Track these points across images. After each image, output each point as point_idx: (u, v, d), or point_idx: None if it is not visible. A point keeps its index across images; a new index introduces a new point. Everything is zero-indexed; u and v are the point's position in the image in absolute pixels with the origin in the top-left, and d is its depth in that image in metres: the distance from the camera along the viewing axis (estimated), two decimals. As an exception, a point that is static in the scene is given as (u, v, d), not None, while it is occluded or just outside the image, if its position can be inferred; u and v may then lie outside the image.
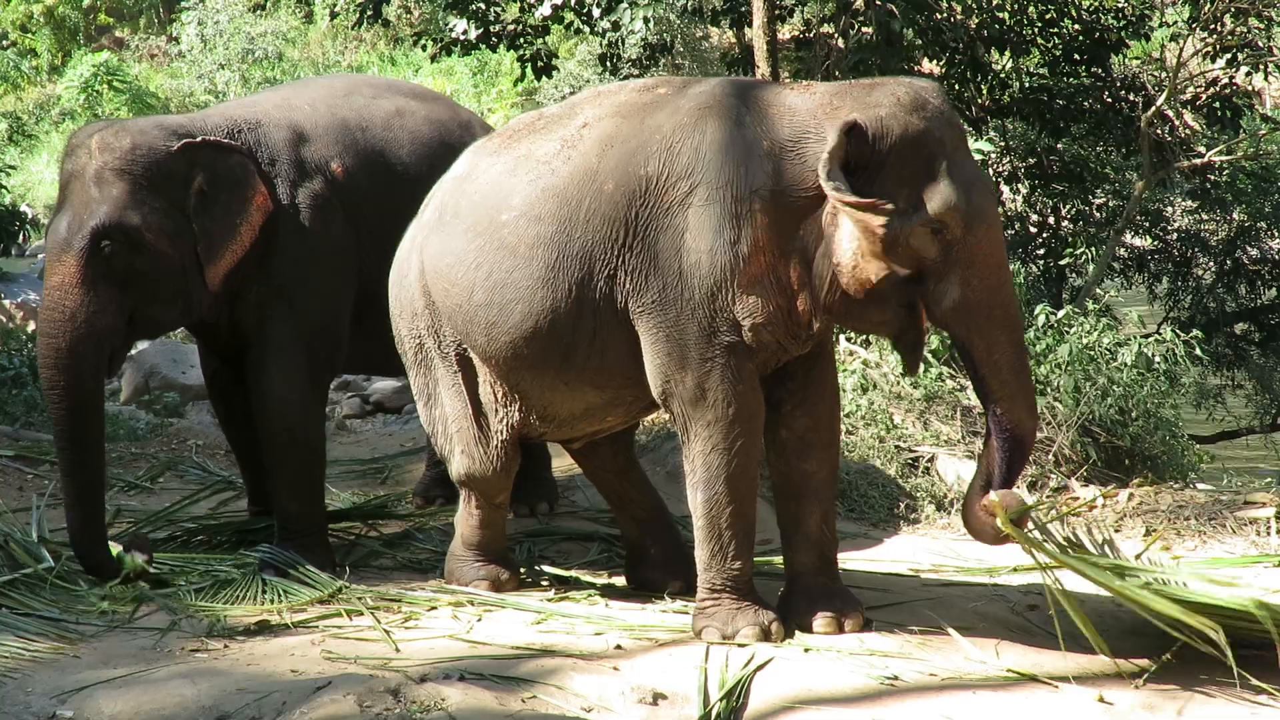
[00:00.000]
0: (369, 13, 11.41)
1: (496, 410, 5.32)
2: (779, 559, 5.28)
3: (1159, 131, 11.27)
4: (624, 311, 4.90)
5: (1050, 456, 7.41)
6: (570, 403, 5.21)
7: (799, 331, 4.93)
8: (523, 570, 5.80)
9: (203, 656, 4.77)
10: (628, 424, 5.56)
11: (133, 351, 6.04)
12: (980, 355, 4.76)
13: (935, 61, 11.39)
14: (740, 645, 4.82)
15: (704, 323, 4.77)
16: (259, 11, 25.46)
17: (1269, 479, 8.92)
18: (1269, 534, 6.71)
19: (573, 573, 5.87)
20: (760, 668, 4.70)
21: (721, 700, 4.48)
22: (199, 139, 5.75)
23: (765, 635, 4.88)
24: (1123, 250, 13.24)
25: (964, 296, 4.72)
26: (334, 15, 14.96)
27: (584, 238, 4.89)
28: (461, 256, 5.11)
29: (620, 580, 5.76)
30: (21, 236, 17.01)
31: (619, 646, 4.93)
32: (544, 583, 5.74)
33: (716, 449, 4.85)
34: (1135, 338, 8.49)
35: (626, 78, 12.27)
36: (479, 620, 5.24)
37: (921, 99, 4.76)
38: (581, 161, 4.96)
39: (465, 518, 5.60)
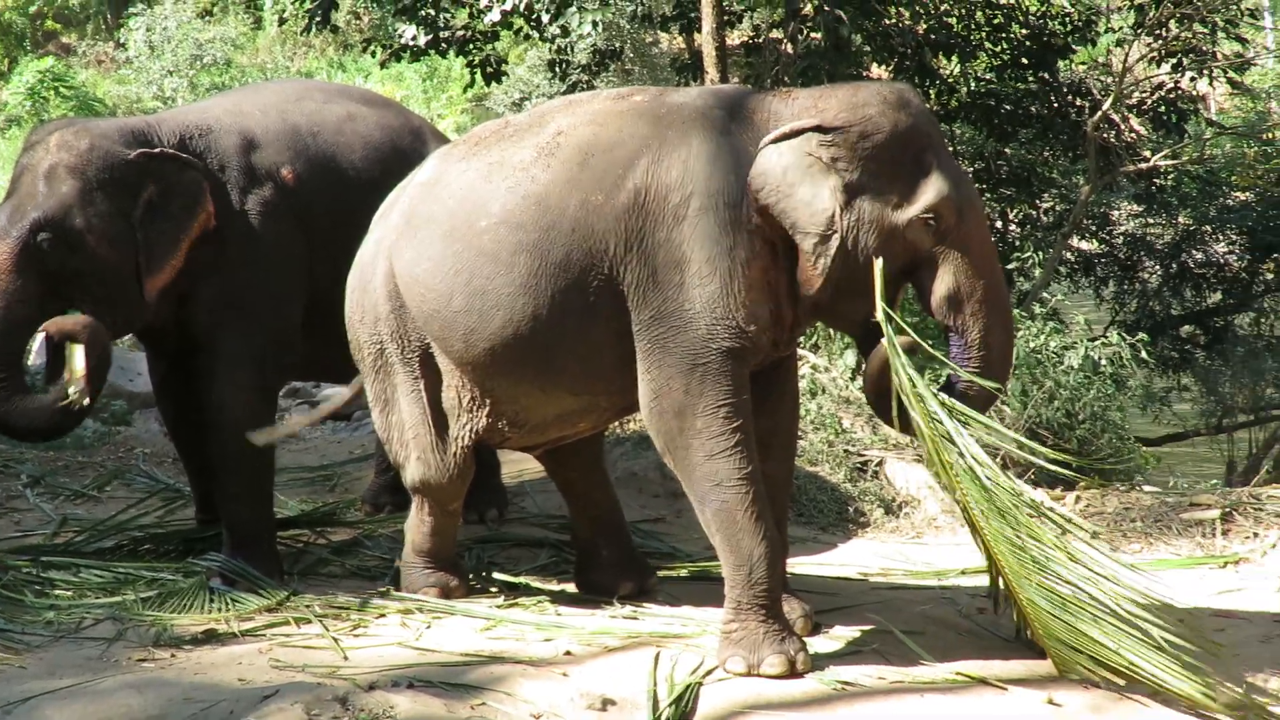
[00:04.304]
0: (318, 19, 11.36)
1: (460, 416, 5.30)
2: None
3: (1105, 136, 11.36)
4: (618, 323, 4.89)
5: (998, 460, 7.44)
6: (544, 408, 5.21)
7: (783, 334, 4.99)
8: (472, 577, 5.79)
9: (149, 666, 4.74)
10: (595, 430, 5.56)
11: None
12: (974, 338, 4.83)
13: (884, 66, 11.45)
14: (766, 676, 4.72)
15: (703, 331, 4.76)
16: (207, 17, 25.36)
17: (1214, 481, 8.99)
18: (1214, 536, 6.77)
19: (522, 579, 5.85)
20: (709, 673, 4.71)
21: (671, 706, 4.48)
22: (157, 150, 5.73)
23: (791, 666, 4.74)
24: (1070, 254, 13.32)
25: (959, 283, 4.80)
26: (282, 21, 14.86)
27: (568, 246, 4.88)
28: (439, 262, 5.08)
29: (570, 586, 5.75)
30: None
31: (568, 652, 4.93)
32: (493, 589, 5.72)
33: (717, 455, 4.80)
34: (1082, 341, 8.54)
35: (576, 84, 12.28)
36: (428, 627, 5.23)
37: (905, 97, 4.87)
38: (562, 170, 4.95)
39: (417, 525, 5.58)
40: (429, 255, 5.11)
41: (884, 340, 4.78)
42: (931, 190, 4.74)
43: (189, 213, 5.71)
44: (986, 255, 4.91)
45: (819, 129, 4.76)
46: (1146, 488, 7.92)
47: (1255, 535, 6.77)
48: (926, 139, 4.83)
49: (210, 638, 5.06)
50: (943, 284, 4.81)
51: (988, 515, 4.73)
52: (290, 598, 5.52)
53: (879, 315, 4.73)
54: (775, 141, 4.78)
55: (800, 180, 4.73)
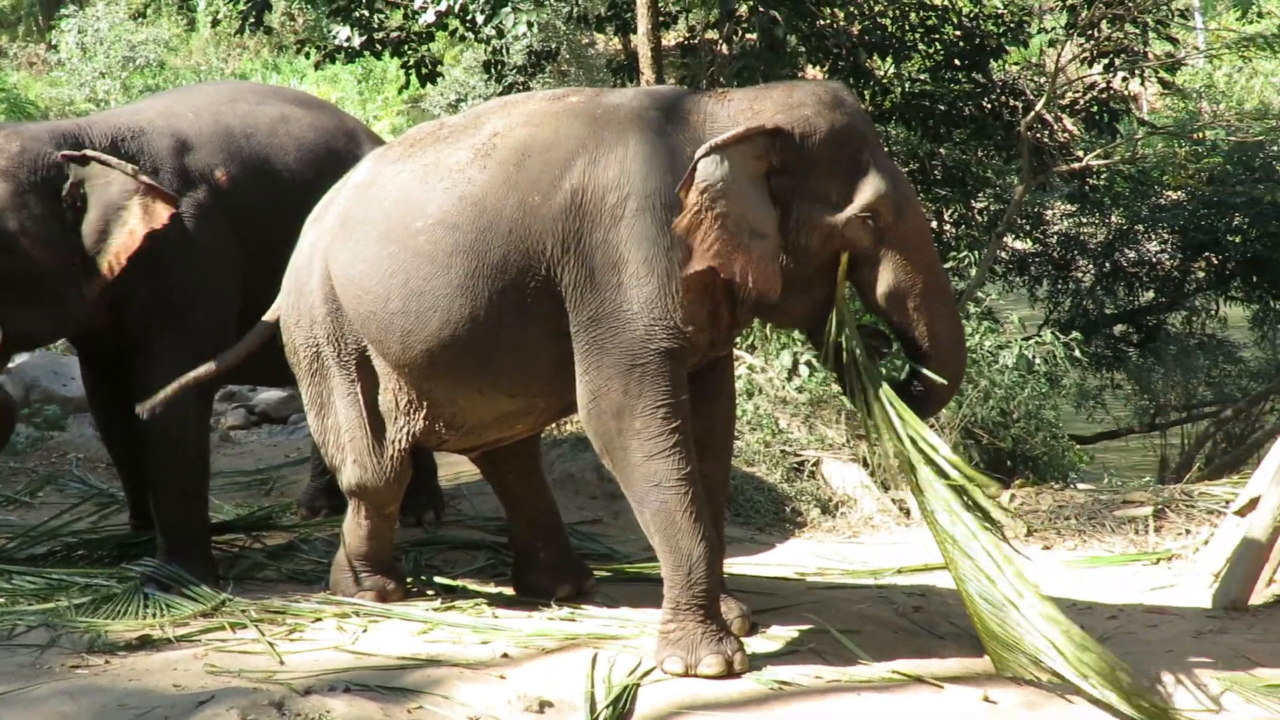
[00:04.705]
0: (251, 20, 11.30)
1: (397, 419, 5.28)
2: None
3: (1038, 136, 11.43)
4: (555, 325, 4.89)
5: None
6: (482, 410, 5.19)
7: (722, 333, 4.99)
8: (409, 580, 5.77)
9: (83, 673, 4.70)
10: (532, 432, 5.55)
11: (11, 365, 5.96)
12: (921, 331, 4.87)
13: (818, 67, 11.46)
14: (704, 676, 4.72)
15: (641, 332, 4.76)
16: (140, 19, 25.16)
17: (1147, 478, 9.08)
18: (1147, 532, 6.82)
19: (459, 581, 5.84)
20: (646, 674, 4.72)
21: (608, 707, 4.49)
22: (84, 152, 5.68)
23: (729, 666, 4.75)
24: (1004, 253, 13.40)
25: (900, 279, 4.84)
26: (216, 23, 14.77)
27: (505, 247, 4.86)
28: (375, 264, 5.05)
29: (507, 589, 5.74)
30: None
31: (505, 655, 4.93)
32: (430, 592, 5.71)
33: (655, 456, 4.79)
34: (1016, 340, 8.60)
35: (512, 85, 12.26)
36: (365, 631, 5.21)
37: (839, 96, 4.89)
38: (499, 170, 4.93)
39: (353, 528, 5.56)
40: (365, 257, 5.08)
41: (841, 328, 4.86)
42: (869, 189, 4.77)
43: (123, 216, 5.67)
44: (926, 251, 4.94)
45: (764, 132, 4.76)
46: (1080, 485, 7.99)
47: (1188, 532, 6.83)
48: (862, 138, 4.86)
49: (145, 644, 5.02)
50: (884, 281, 4.84)
51: (929, 508, 4.80)
52: (225, 602, 5.48)
53: (839, 302, 4.82)
54: (716, 149, 4.75)
55: (746, 185, 4.74)
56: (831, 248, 4.81)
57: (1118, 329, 13.52)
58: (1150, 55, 11.69)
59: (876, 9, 11.61)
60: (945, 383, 4.92)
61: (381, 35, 11.57)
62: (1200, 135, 13.22)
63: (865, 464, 7.56)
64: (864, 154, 4.82)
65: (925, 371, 4.88)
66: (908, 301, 4.85)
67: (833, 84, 5.01)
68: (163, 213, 5.65)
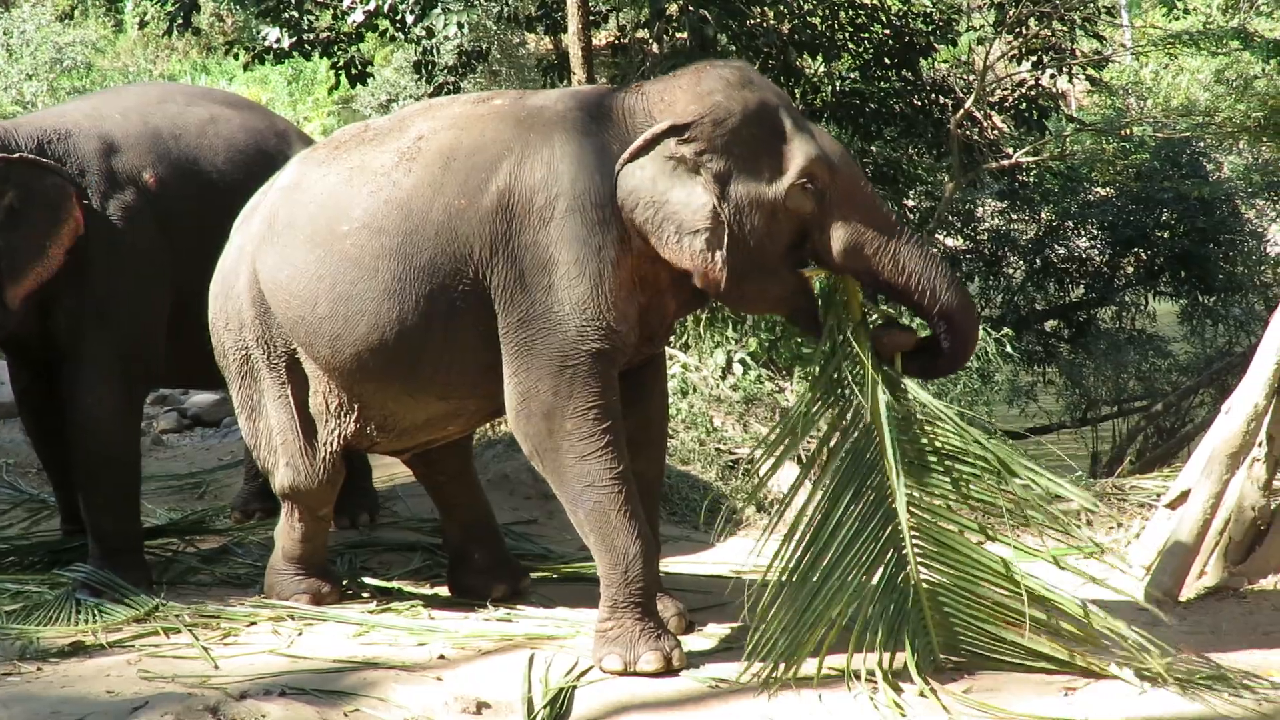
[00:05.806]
0: (179, 21, 11.23)
1: (328, 421, 5.26)
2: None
3: (968, 133, 11.49)
4: (484, 327, 4.88)
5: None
6: (413, 413, 5.18)
7: (657, 330, 5.02)
8: (344, 582, 5.75)
9: (15, 680, 4.66)
10: (464, 434, 5.55)
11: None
12: (890, 273, 4.85)
13: (749, 66, 11.49)
14: (642, 673, 4.74)
15: (573, 333, 4.75)
16: (67, 20, 24.96)
17: (1079, 473, 9.13)
18: (1079, 527, 6.86)
19: (395, 583, 5.83)
20: (583, 674, 4.72)
21: (545, 708, 4.48)
22: (15, 156, 5.62)
23: (667, 663, 4.76)
24: (935, 250, 13.44)
25: (851, 232, 4.82)
26: (143, 24, 14.67)
27: (432, 250, 4.86)
28: (302, 268, 5.04)
29: (443, 590, 5.73)
30: None
31: (442, 656, 4.92)
32: (366, 594, 5.69)
33: (588, 457, 4.80)
34: (948, 336, 8.63)
35: (443, 85, 12.23)
36: (300, 634, 5.19)
37: (746, 75, 4.91)
38: (424, 174, 4.93)
39: (287, 531, 5.53)
40: (292, 261, 5.06)
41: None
42: (799, 155, 4.77)
43: (53, 219, 5.61)
44: (869, 197, 4.93)
45: (672, 130, 4.77)
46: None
47: (1119, 525, 6.87)
48: (777, 109, 4.86)
49: (78, 650, 4.99)
50: (838, 238, 4.82)
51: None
52: (159, 607, 5.44)
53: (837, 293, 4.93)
54: (633, 157, 4.78)
55: (670, 186, 4.74)
56: (780, 224, 4.81)
57: (1048, 325, 13.63)
58: (1078, 52, 11.80)
59: (806, 8, 11.65)
60: (951, 302, 4.93)
61: (311, 36, 11.51)
62: (1128, 132, 13.34)
63: (800, 461, 7.56)
64: (783, 123, 4.83)
65: (929, 309, 4.92)
66: (865, 249, 4.83)
67: (737, 63, 5.04)
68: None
